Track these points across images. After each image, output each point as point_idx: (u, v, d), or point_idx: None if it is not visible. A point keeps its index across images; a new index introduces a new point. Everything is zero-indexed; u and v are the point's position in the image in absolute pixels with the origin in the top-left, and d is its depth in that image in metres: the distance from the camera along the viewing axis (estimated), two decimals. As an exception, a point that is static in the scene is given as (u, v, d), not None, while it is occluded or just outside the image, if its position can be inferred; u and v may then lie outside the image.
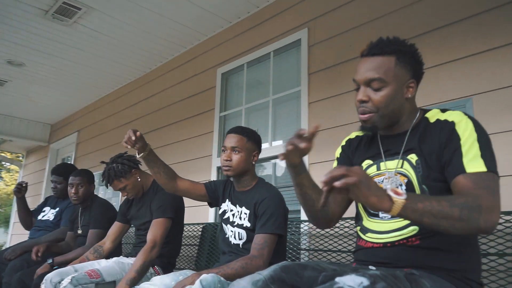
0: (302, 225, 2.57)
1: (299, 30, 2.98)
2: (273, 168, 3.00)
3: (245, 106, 3.31)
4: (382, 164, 1.34)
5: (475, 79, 2.04)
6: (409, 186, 1.25)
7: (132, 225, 2.64)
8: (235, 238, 1.93)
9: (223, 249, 2.03)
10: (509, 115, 1.89)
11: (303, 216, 2.61)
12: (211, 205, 2.19)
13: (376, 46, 1.32)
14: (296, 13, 3.05)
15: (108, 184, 2.41)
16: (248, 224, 1.89)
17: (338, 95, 2.65)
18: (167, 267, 2.42)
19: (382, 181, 1.32)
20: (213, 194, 2.09)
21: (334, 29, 2.77)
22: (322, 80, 2.77)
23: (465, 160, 1.15)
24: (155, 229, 2.23)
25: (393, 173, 1.30)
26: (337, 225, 2.23)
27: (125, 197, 2.55)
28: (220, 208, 2.10)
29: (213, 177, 3.34)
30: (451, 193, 1.17)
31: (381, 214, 1.30)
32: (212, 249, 2.87)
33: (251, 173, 2.01)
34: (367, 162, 1.40)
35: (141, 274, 2.05)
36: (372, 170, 1.37)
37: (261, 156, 2.82)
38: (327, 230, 2.34)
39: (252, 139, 1.99)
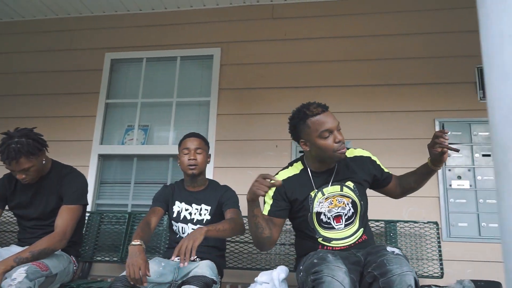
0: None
1: (213, 47, 3.35)
2: (171, 165, 3.23)
3: (141, 100, 3.38)
4: (324, 190, 1.92)
5: (353, 132, 3.00)
6: (353, 204, 1.92)
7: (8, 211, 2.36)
8: None
9: (173, 245, 2.21)
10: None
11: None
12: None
13: (325, 105, 1.89)
14: (212, 30, 3.40)
15: (11, 161, 2.04)
16: (209, 218, 2.21)
17: (246, 114, 3.19)
18: (77, 256, 2.37)
19: (331, 202, 1.94)
20: (166, 206, 2.28)
21: (246, 58, 3.30)
22: (231, 97, 3.24)
23: (386, 170, 1.99)
24: (67, 217, 2.11)
25: (333, 195, 1.91)
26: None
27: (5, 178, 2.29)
28: (169, 211, 2.29)
29: (93, 164, 3.23)
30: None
31: (335, 225, 1.93)
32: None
33: (204, 172, 2.33)
34: (313, 192, 1.92)
35: (36, 259, 1.93)
36: (319, 196, 1.90)
37: (161, 152, 3.06)
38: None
39: (207, 143, 2.34)
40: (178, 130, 3.26)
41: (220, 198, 2.23)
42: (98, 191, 3.23)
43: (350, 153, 1.97)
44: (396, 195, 2.05)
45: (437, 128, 2.90)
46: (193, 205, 2.26)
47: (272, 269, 2.19)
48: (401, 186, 2.01)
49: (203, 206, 2.25)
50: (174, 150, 3.12)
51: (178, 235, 2.23)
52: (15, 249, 2.14)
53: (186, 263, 1.70)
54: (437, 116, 2.94)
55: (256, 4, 3.40)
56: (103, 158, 3.30)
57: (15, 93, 3.55)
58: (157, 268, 1.95)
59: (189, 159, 2.21)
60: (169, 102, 3.34)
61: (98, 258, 2.84)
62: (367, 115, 3.03)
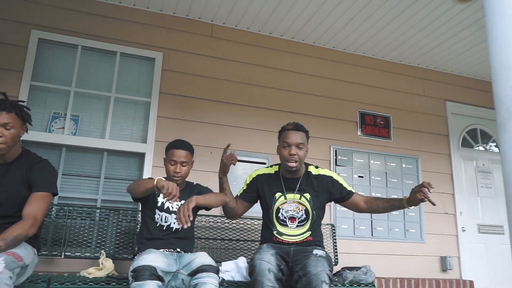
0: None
1: (155, 50, 3.50)
2: (105, 159, 3.23)
3: (74, 89, 3.25)
4: (287, 195, 2.62)
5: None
6: (306, 211, 2.60)
7: None
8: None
9: (156, 236, 2.42)
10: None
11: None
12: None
13: (298, 125, 2.56)
14: (154, 33, 3.54)
15: None
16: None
17: (184, 120, 3.47)
18: (39, 250, 2.32)
19: (290, 206, 2.60)
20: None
21: (186, 68, 3.58)
22: (171, 101, 3.47)
23: (349, 188, 2.64)
24: (38, 204, 2.06)
25: (293, 200, 2.61)
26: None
27: None
28: (150, 201, 2.49)
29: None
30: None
31: (289, 224, 2.58)
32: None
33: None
34: (278, 193, 2.59)
35: (9, 247, 1.86)
36: (281, 199, 2.57)
37: (95, 146, 3.13)
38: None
39: (193, 153, 2.64)
40: (115, 125, 3.29)
41: (197, 193, 2.55)
42: (16, 179, 2.96)
43: (316, 171, 2.60)
44: (360, 210, 2.60)
45: (332, 152, 3.82)
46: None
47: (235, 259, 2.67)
48: (369, 206, 2.54)
49: (182, 201, 2.52)
50: (110, 144, 3.20)
51: (158, 224, 2.44)
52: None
53: (188, 225, 2.15)
54: (332, 143, 3.87)
55: (197, 20, 3.71)
56: (24, 144, 3.03)
57: None
58: (163, 258, 2.17)
59: (174, 171, 2.44)
60: (107, 96, 3.33)
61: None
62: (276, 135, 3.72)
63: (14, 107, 2.09)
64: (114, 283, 2.29)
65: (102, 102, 3.34)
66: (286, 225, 2.50)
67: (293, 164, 2.44)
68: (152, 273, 1.98)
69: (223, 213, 2.72)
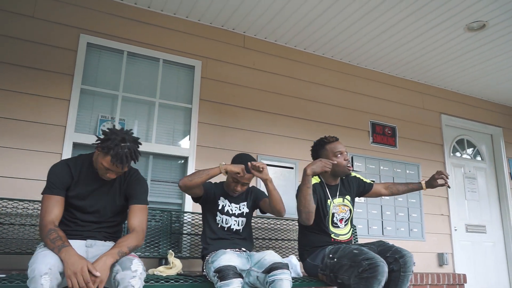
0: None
1: (194, 58, 3.68)
2: (151, 163, 3.38)
3: (122, 93, 3.36)
4: (334, 200, 2.95)
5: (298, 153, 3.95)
6: (350, 211, 2.97)
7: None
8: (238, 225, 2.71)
9: (221, 236, 2.66)
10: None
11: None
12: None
13: (336, 137, 2.94)
14: (193, 42, 3.71)
15: (120, 165, 2.08)
16: (247, 210, 2.79)
17: (222, 126, 3.68)
18: None
19: (339, 209, 2.95)
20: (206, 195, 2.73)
21: (222, 77, 3.79)
22: (211, 108, 3.67)
23: (368, 181, 3.05)
24: (143, 217, 2.20)
25: (339, 204, 2.96)
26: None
27: (64, 164, 2.22)
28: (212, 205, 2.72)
29: (66, 152, 3.03)
30: None
31: (340, 225, 2.91)
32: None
33: None
34: (329, 200, 2.89)
35: (130, 253, 2.04)
36: (332, 204, 2.90)
37: (146, 150, 3.38)
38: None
39: None
40: (160, 130, 3.45)
41: (254, 195, 2.83)
42: (69, 181, 3.05)
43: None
44: (381, 195, 3.08)
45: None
46: (232, 204, 2.75)
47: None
48: (390, 191, 3.03)
49: (241, 204, 2.77)
50: (156, 148, 3.37)
51: (219, 225, 2.67)
52: (76, 244, 2.11)
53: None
54: (348, 151, 4.21)
55: (231, 31, 3.92)
56: (75, 146, 3.13)
57: None
58: (237, 257, 2.40)
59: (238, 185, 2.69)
60: (152, 101, 3.47)
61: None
62: (302, 142, 4.01)
63: (137, 157, 2.14)
64: (188, 281, 2.46)
65: (146, 107, 3.47)
66: (338, 227, 2.83)
67: (351, 167, 2.84)
68: (235, 271, 2.21)
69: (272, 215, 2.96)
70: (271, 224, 3.50)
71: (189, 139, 3.49)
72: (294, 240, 3.51)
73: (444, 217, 4.61)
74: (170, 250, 2.76)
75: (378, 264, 2.41)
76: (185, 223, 3.24)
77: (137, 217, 2.19)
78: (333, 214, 2.82)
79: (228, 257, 2.32)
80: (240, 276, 2.26)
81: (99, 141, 2.12)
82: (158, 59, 3.55)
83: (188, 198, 3.34)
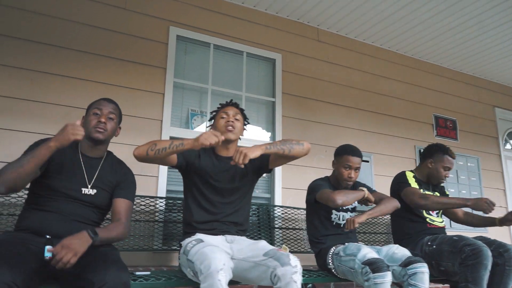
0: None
1: (274, 51, 3.64)
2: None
3: (211, 87, 3.31)
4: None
5: (367, 147, 3.97)
6: None
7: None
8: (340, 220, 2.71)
9: (332, 232, 2.66)
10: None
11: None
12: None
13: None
14: (273, 35, 3.68)
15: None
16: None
17: (304, 120, 3.67)
18: None
19: None
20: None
21: (300, 70, 3.76)
22: (293, 102, 3.65)
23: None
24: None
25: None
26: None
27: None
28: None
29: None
30: None
31: (432, 214, 2.97)
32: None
33: None
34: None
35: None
36: None
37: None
38: (294, 214, 3.29)
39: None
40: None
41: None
42: (168, 176, 3.01)
43: None
44: (458, 218, 3.12)
45: (417, 152, 4.22)
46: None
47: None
48: (466, 218, 3.09)
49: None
50: (246, 143, 3.33)
51: (334, 222, 2.67)
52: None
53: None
54: (416, 143, 4.26)
55: (306, 24, 3.90)
56: (172, 140, 3.08)
57: (61, 44, 2.83)
58: (376, 252, 2.41)
59: (348, 176, 2.66)
60: (239, 95, 3.43)
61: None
62: (374, 135, 4.03)
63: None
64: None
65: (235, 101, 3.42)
66: (431, 215, 2.90)
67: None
68: (385, 264, 2.22)
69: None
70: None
71: (275, 133, 3.47)
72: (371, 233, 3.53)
73: (502, 209, 4.68)
74: (284, 245, 2.75)
75: (481, 249, 2.45)
76: (276, 217, 3.23)
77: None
78: None
79: (369, 249, 2.33)
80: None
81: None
82: (242, 52, 3.51)
83: (277, 192, 3.34)
